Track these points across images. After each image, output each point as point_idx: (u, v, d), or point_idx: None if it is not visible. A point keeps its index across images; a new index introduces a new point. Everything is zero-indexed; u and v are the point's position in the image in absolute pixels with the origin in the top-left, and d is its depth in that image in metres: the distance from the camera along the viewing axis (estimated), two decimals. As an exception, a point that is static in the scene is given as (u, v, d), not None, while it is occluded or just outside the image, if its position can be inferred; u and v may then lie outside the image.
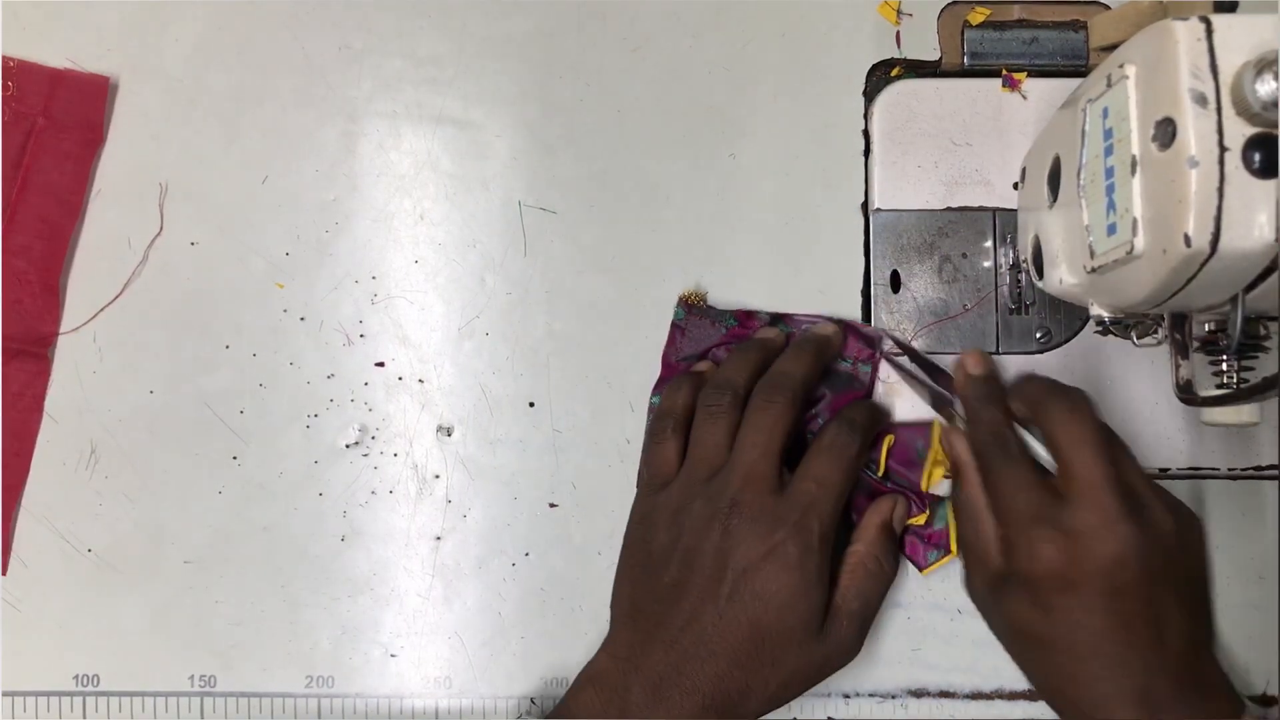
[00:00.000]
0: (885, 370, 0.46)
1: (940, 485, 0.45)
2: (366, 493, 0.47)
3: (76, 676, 0.46)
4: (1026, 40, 0.47)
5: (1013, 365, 0.46)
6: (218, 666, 0.46)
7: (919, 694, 0.46)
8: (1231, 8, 0.37)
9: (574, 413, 0.47)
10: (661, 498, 0.42)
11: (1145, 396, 0.46)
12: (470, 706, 0.47)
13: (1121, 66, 0.34)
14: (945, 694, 0.46)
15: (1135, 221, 0.33)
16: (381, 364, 0.47)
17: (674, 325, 0.47)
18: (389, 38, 0.48)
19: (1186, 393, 0.39)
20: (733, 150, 0.48)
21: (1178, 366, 0.39)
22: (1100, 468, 0.37)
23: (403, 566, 0.47)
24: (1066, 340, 0.46)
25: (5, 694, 0.46)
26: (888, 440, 0.45)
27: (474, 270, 0.47)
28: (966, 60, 0.47)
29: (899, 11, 0.48)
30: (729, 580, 0.39)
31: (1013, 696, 0.46)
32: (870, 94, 0.48)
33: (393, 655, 0.47)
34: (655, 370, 0.47)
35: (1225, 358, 0.38)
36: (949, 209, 0.47)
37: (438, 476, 0.47)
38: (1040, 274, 0.42)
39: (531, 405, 0.47)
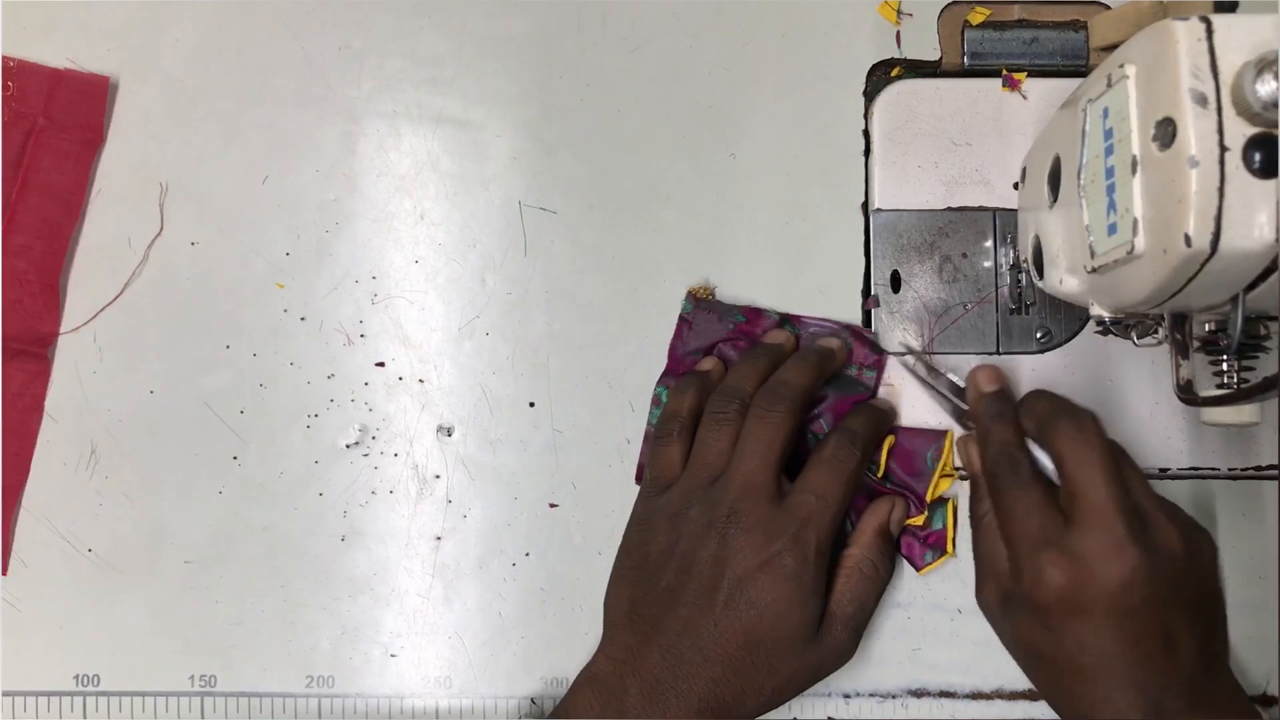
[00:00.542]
0: (890, 374, 0.46)
1: (944, 489, 0.45)
2: (367, 493, 0.47)
3: (76, 676, 0.46)
4: (1026, 40, 0.47)
5: (1014, 365, 0.46)
6: (218, 666, 0.46)
7: (919, 694, 0.46)
8: (1231, 8, 0.37)
9: (574, 413, 0.47)
10: (661, 501, 0.43)
11: (1145, 396, 0.46)
12: (470, 706, 0.47)
13: (1122, 66, 0.34)
14: (945, 694, 0.46)
15: (1135, 221, 0.33)
16: (382, 364, 0.47)
17: (681, 318, 0.47)
18: (389, 38, 0.48)
19: (1186, 393, 0.39)
20: (733, 150, 0.48)
21: (1178, 366, 0.39)
22: (1106, 490, 0.37)
23: (403, 566, 0.47)
24: (1066, 340, 0.46)
25: (5, 694, 0.46)
26: (888, 441, 0.45)
27: (474, 270, 0.47)
28: (966, 60, 0.47)
29: (899, 11, 0.48)
30: (725, 589, 0.40)
31: (1013, 696, 0.46)
32: (870, 94, 0.48)
33: (393, 655, 0.47)
34: (655, 370, 0.47)
35: (1225, 358, 0.38)
36: (949, 209, 0.47)
37: (438, 476, 0.47)
38: (1040, 274, 0.42)
39: (531, 405, 0.47)
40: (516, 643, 0.47)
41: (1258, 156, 0.30)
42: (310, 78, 0.48)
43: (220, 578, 0.47)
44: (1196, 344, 0.38)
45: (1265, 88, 0.30)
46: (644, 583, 0.42)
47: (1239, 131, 0.31)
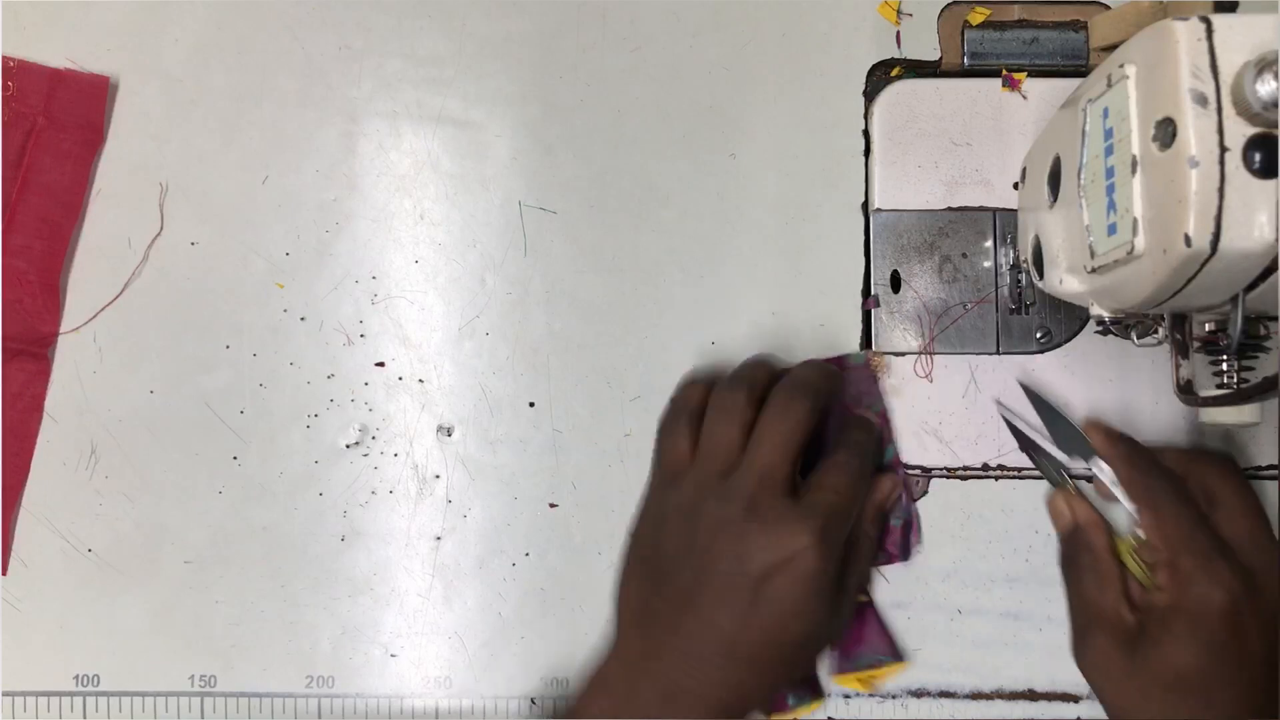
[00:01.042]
0: (890, 374, 0.46)
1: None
2: (367, 493, 0.47)
3: (76, 676, 0.46)
4: (1026, 40, 0.47)
5: (1013, 365, 0.46)
6: (218, 666, 0.46)
7: (919, 694, 0.46)
8: (1231, 8, 0.37)
9: (574, 413, 0.47)
10: (673, 495, 0.42)
11: (1145, 396, 0.46)
12: (470, 706, 0.47)
13: (1121, 66, 0.34)
14: (945, 694, 0.46)
15: (1135, 221, 0.33)
16: (382, 364, 0.47)
17: (850, 367, 0.46)
18: (389, 38, 0.48)
19: (1186, 393, 0.39)
20: (733, 150, 0.48)
21: (1178, 366, 0.39)
22: (1262, 517, 0.41)
23: (403, 566, 0.47)
24: (1066, 340, 0.46)
25: (5, 694, 0.46)
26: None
27: (474, 270, 0.47)
28: (966, 60, 0.47)
29: (899, 11, 0.48)
30: (747, 587, 0.39)
31: (1013, 696, 0.46)
32: (870, 94, 0.48)
33: (393, 655, 0.47)
34: (655, 370, 0.47)
35: (1225, 358, 0.38)
36: (949, 209, 0.47)
37: (438, 476, 0.47)
38: (1040, 274, 0.42)
39: (531, 405, 0.47)
40: (516, 643, 0.47)
41: (1258, 156, 0.30)
42: (310, 78, 0.48)
43: (220, 578, 0.47)
44: (1196, 344, 0.38)
45: (1265, 88, 0.30)
46: (658, 581, 0.41)
47: (1239, 131, 0.31)
